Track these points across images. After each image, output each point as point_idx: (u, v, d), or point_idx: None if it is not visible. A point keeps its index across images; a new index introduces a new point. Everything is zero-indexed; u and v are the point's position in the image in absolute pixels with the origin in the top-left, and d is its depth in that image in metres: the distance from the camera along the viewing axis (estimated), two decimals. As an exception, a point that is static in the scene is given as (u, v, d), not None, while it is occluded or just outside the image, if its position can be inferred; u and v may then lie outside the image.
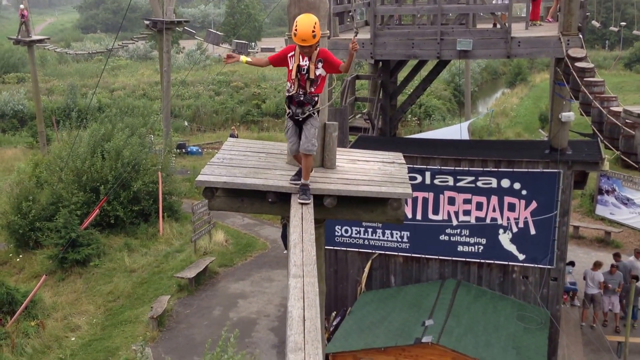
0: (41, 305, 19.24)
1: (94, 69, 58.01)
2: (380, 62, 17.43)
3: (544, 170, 14.00)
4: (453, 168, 14.60)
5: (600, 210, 17.25)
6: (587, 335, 16.62)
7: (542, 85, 49.74)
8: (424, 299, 14.39)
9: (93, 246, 22.05)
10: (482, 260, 14.79)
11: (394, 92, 18.72)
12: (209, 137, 42.25)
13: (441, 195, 14.83)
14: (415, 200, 14.92)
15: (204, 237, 22.98)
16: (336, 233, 15.65)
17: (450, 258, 15.02)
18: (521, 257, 14.46)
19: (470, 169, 14.50)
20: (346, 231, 15.64)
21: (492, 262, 14.71)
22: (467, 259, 14.88)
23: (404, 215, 6.36)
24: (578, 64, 12.72)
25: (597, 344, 16.00)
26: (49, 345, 17.62)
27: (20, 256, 22.94)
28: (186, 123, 45.13)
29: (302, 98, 6.11)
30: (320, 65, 6.09)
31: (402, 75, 19.75)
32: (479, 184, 14.51)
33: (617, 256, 17.20)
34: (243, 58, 6.13)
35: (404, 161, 6.94)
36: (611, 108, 11.87)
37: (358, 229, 15.55)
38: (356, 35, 6.63)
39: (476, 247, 14.77)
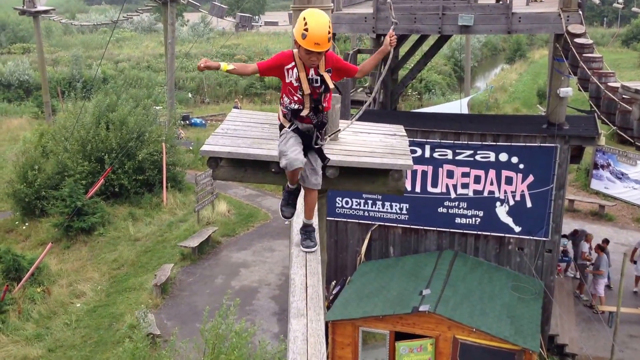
0: (47, 272, 19.63)
1: (99, 41, 57.91)
2: (382, 36, 17.55)
3: (542, 144, 14.24)
4: (452, 142, 14.84)
5: (595, 184, 17.51)
6: (580, 305, 17.04)
7: (540, 62, 49.70)
8: (421, 269, 14.73)
9: (98, 215, 22.41)
10: (479, 232, 15.10)
11: (396, 66, 18.87)
12: (213, 109, 42.41)
13: (440, 169, 15.09)
14: (414, 173, 15.18)
15: (207, 207, 23.32)
16: (337, 204, 15.95)
17: (448, 230, 15.33)
18: (517, 229, 14.77)
19: (469, 142, 14.73)
20: (347, 203, 15.93)
21: (489, 234, 15.02)
22: (464, 231, 15.20)
23: (404, 186, 6.47)
24: (577, 40, 12.89)
25: (589, 314, 16.40)
26: (55, 310, 18.05)
27: (27, 224, 23.30)
28: (190, 95, 45.25)
29: (322, 119, 5.06)
30: (328, 74, 4.95)
31: (403, 49, 19.88)
32: (478, 157, 14.76)
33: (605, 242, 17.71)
34: (224, 65, 4.90)
35: (405, 133, 7.01)
36: (609, 84, 12.07)
37: (358, 200, 15.84)
38: (394, 27, 5.38)
39: (473, 219, 15.07)
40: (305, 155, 5.13)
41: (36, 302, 18.16)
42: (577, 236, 18.19)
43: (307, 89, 4.97)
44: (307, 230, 5.25)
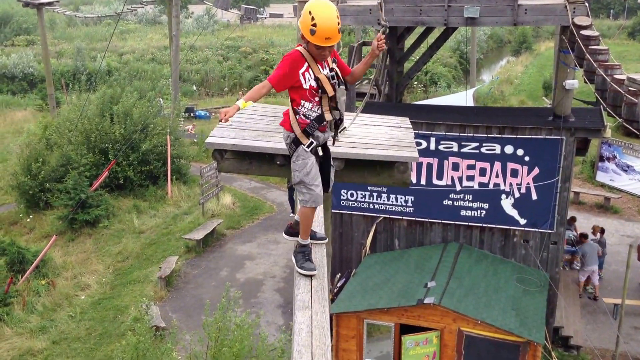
0: (51, 265, 19.66)
1: (103, 33, 57.86)
2: (388, 29, 17.48)
3: (547, 137, 14.18)
4: (458, 134, 14.79)
5: (600, 176, 17.43)
6: (585, 298, 17.01)
7: (546, 54, 49.50)
8: (426, 261, 14.71)
9: (102, 207, 22.43)
10: (484, 225, 15.07)
11: (401, 58, 18.79)
12: (217, 101, 42.36)
13: (445, 161, 15.05)
14: (419, 165, 15.15)
15: (212, 199, 23.32)
16: (342, 197, 15.92)
17: (453, 222, 15.30)
18: (522, 221, 14.73)
19: (475, 135, 14.68)
20: (352, 195, 15.90)
21: (494, 226, 14.99)
22: (469, 223, 15.16)
23: (409, 179, 6.43)
24: (583, 32, 12.80)
25: (594, 306, 16.37)
26: (59, 303, 18.08)
27: (31, 217, 23.34)
28: (194, 87, 45.22)
29: (338, 115, 4.71)
30: (334, 65, 4.67)
31: (409, 42, 19.80)
32: (483, 150, 14.71)
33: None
34: (242, 104, 4.46)
35: (410, 126, 6.98)
36: (615, 76, 12.00)
37: (363, 193, 15.81)
38: (385, 32, 5.15)
39: (479, 211, 15.03)
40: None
41: (40, 294, 18.20)
42: (571, 224, 18.20)
43: (330, 90, 4.56)
44: (304, 252, 4.77)
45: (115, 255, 20.68)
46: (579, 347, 14.95)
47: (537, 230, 14.67)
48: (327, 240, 5.19)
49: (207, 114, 37.02)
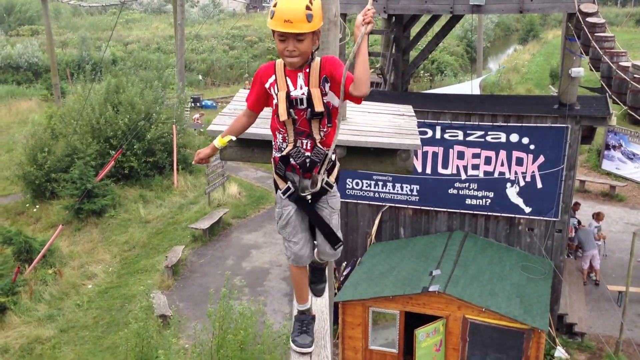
0: (58, 254, 19.79)
1: (108, 22, 57.82)
2: (394, 17, 17.43)
3: (552, 125, 14.15)
4: (463, 123, 14.77)
5: (606, 165, 17.42)
6: (589, 285, 17.03)
7: (554, 42, 49.22)
8: (432, 250, 14.73)
9: (108, 197, 22.52)
10: (489, 213, 15.07)
11: (407, 47, 18.72)
12: (223, 91, 42.35)
13: (451, 150, 15.03)
14: (425, 154, 15.14)
15: (218, 189, 23.38)
16: (347, 186, 15.94)
17: (458, 211, 15.30)
18: (527, 209, 14.73)
19: (480, 123, 14.65)
20: (357, 184, 15.92)
21: (499, 214, 14.99)
22: (474, 212, 15.17)
23: (414, 168, 6.45)
24: (589, 19, 12.76)
25: (598, 294, 16.39)
26: (67, 292, 18.22)
27: (37, 206, 23.45)
28: (200, 77, 45.20)
29: (309, 156, 3.69)
30: (327, 87, 3.61)
31: (414, 30, 19.73)
32: (488, 138, 14.69)
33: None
34: (219, 141, 3.91)
35: (413, 114, 7.01)
36: (620, 63, 11.97)
37: (368, 182, 15.83)
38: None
39: (484, 200, 15.03)
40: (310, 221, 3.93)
41: (48, 283, 18.33)
42: (574, 210, 18.23)
43: (282, 113, 3.63)
44: (302, 321, 4.10)
45: (121, 244, 20.79)
46: (583, 334, 14.99)
47: (542, 218, 14.67)
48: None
49: (214, 104, 37.02)
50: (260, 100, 3.84)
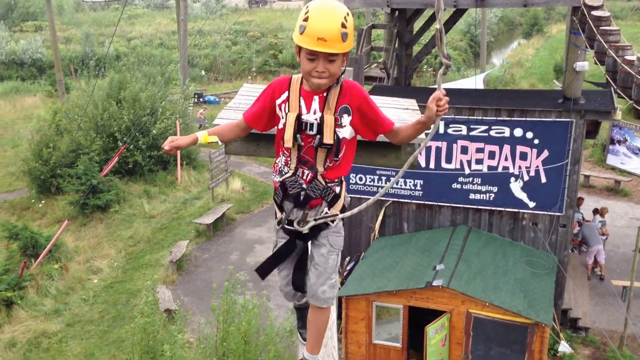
0: (64, 249, 19.88)
1: (111, 18, 57.87)
2: (397, 11, 17.41)
3: (557, 119, 14.13)
4: (467, 117, 14.76)
5: (611, 159, 17.33)
6: (593, 280, 17.04)
7: (558, 37, 49.08)
8: (435, 244, 14.75)
9: (113, 193, 22.61)
10: (493, 208, 15.07)
11: (410, 41, 18.71)
12: (226, 86, 42.37)
13: (454, 144, 15.03)
14: (428, 149, 15.14)
15: (222, 184, 23.42)
16: (351, 181, 15.96)
17: (461, 205, 15.31)
18: (531, 204, 14.72)
19: (484, 118, 14.65)
20: (360, 179, 15.93)
21: (503, 209, 14.99)
22: (478, 207, 15.17)
23: (417, 162, 6.45)
24: (594, 13, 12.74)
25: (603, 288, 16.39)
26: (73, 286, 18.33)
27: (42, 202, 23.54)
28: (203, 72, 45.21)
29: (304, 189, 3.39)
30: (346, 118, 3.30)
31: (418, 24, 19.71)
32: (492, 133, 14.68)
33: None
34: (203, 137, 3.50)
35: (417, 108, 7.03)
36: (625, 57, 11.96)
37: (372, 176, 15.84)
38: (445, 70, 3.30)
39: (487, 195, 15.03)
40: (304, 256, 3.60)
41: (54, 278, 18.44)
42: (579, 205, 18.25)
43: (288, 140, 3.30)
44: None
45: (126, 239, 20.87)
46: (588, 329, 15.00)
47: (546, 213, 14.67)
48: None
49: (217, 99, 37.06)
50: (263, 116, 3.45)
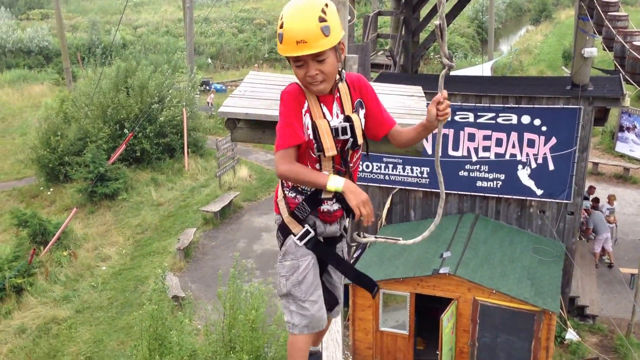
0: (73, 237, 20.01)
1: (117, 6, 57.80)
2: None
3: (565, 106, 14.05)
4: (474, 104, 14.70)
5: (620, 147, 17.29)
6: (601, 268, 17.01)
7: (567, 22, 48.71)
8: (442, 232, 14.73)
9: (121, 180, 22.70)
10: (500, 195, 15.03)
11: (417, 28, 18.62)
12: (233, 74, 42.33)
13: (461, 132, 14.98)
14: (435, 136, 15.06)
15: (229, 172, 23.46)
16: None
17: (469, 193, 15.28)
18: (539, 192, 14.68)
19: (491, 105, 14.58)
20: (367, 167, 15.92)
21: (510, 197, 14.95)
22: (485, 194, 15.13)
23: (424, 149, 6.42)
24: (602, -2, 12.61)
25: (611, 276, 16.36)
26: (81, 273, 18.46)
27: (51, 190, 23.66)
28: (210, 60, 45.17)
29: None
30: (361, 112, 3.17)
31: (425, 11, 19.60)
32: (499, 120, 14.62)
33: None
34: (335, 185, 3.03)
35: (423, 95, 7.02)
36: (634, 43, 11.83)
37: (379, 164, 15.82)
38: (447, 72, 2.95)
39: (495, 182, 15.00)
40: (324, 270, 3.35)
41: (63, 265, 18.56)
42: (590, 194, 18.21)
43: (331, 148, 3.06)
44: None
45: (134, 227, 20.97)
46: (595, 317, 14.99)
47: (553, 200, 14.62)
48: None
49: (223, 87, 37.04)
50: (300, 127, 3.04)
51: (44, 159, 23.45)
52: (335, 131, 3.05)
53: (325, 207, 3.17)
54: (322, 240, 3.26)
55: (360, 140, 3.12)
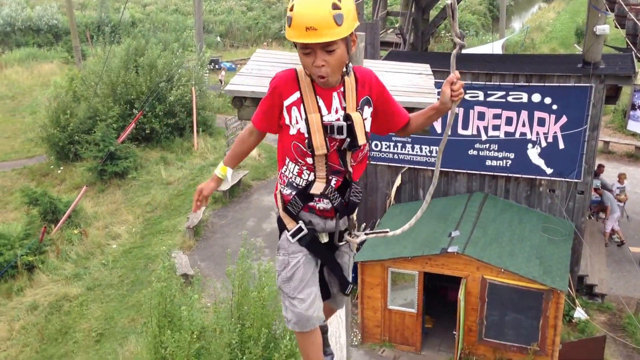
0: (83, 215, 20.14)
1: (126, -17, 57.51)
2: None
3: (576, 84, 13.93)
4: (484, 83, 14.60)
5: (632, 125, 17.12)
6: (611, 246, 16.97)
7: (580, -1, 48.17)
8: (451, 211, 14.73)
9: (130, 159, 22.77)
10: (509, 174, 14.98)
11: (427, 5, 18.46)
12: (242, 53, 42.16)
13: (471, 110, 14.90)
14: (444, 115, 14.98)
15: (237, 151, 23.43)
16: (366, 147, 15.91)
17: (478, 172, 15.23)
18: (549, 170, 14.61)
19: (501, 83, 14.48)
20: (376, 146, 15.89)
21: (520, 176, 14.89)
22: (494, 173, 15.09)
23: (432, 128, 6.45)
24: (615, -25, 12.46)
25: (620, 255, 16.33)
26: (92, 251, 18.61)
27: (61, 168, 23.78)
28: (219, 39, 44.99)
29: (348, 196, 3.08)
30: (367, 110, 2.99)
31: (435, -12, 19.41)
32: (510, 98, 14.52)
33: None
34: (221, 171, 3.31)
35: (431, 73, 6.98)
36: (646, 20, 11.71)
37: (388, 143, 15.78)
38: (459, 51, 2.89)
39: (504, 161, 14.94)
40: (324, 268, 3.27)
41: (74, 243, 18.71)
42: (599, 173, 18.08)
43: (321, 146, 2.90)
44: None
45: (144, 205, 21.08)
46: (604, 295, 14.99)
47: (563, 179, 14.55)
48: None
49: (232, 66, 36.94)
50: (274, 116, 2.98)
51: (54, 138, 23.53)
52: (330, 128, 2.88)
53: (320, 205, 3.06)
54: (324, 237, 3.14)
55: (361, 141, 2.91)
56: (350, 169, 3.02)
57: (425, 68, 7.16)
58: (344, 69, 2.89)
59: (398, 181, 15.93)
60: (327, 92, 2.91)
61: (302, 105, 2.90)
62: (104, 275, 17.35)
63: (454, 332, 13.03)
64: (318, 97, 2.90)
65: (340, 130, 2.87)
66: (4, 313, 16.10)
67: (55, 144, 23.69)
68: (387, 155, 15.87)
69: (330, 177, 2.99)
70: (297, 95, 2.90)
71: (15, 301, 16.47)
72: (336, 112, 2.91)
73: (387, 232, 3.29)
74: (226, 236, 18.76)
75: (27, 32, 45.08)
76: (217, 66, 36.13)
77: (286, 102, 2.93)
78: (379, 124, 3.08)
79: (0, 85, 34.75)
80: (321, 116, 2.89)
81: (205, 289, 15.01)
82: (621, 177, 17.87)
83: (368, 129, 3.00)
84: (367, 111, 2.97)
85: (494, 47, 23.67)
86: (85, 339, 14.99)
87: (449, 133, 3.00)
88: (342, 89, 2.92)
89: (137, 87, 24.32)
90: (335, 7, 2.66)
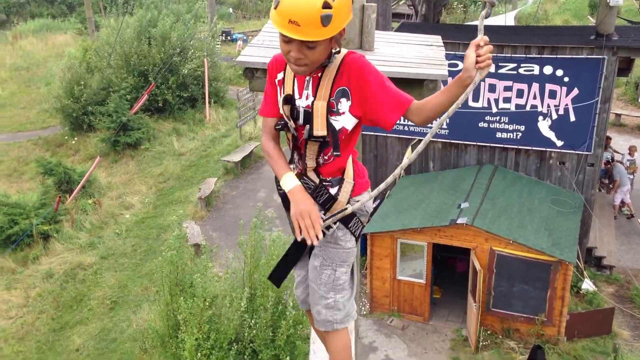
0: (97, 185, 20.41)
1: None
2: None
3: (588, 56, 13.84)
4: (495, 54, 14.51)
5: (643, 98, 17.06)
6: (620, 219, 17.00)
7: (597, -30, 47.28)
8: (460, 183, 14.79)
9: (143, 130, 22.95)
10: (519, 147, 14.98)
11: (440, -24, 18.34)
12: (254, 24, 42.00)
13: (482, 83, 14.84)
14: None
15: (249, 122, 23.57)
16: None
17: (488, 144, 15.24)
18: (559, 143, 14.59)
19: (513, 55, 14.41)
20: (387, 117, 15.90)
21: (530, 148, 14.89)
22: (505, 145, 15.09)
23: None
24: (630, -55, 12.29)
25: (629, 228, 16.37)
26: (106, 221, 18.88)
27: (75, 139, 24.03)
28: (231, 10, 44.79)
29: (316, 190, 2.92)
30: (345, 103, 2.77)
31: (448, -42, 19.25)
32: (521, 70, 14.46)
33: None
34: (288, 180, 2.86)
35: (442, 44, 6.97)
36: (661, -8, 11.58)
37: (398, 115, 15.78)
38: (489, 12, 2.68)
39: (514, 133, 14.93)
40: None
41: (88, 213, 19.00)
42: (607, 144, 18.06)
43: (287, 115, 2.83)
44: None
45: (156, 176, 21.30)
46: (612, 267, 15.07)
47: (573, 152, 14.54)
48: None
49: (244, 37, 36.83)
50: (275, 100, 2.92)
51: (68, 109, 23.74)
52: (295, 112, 2.79)
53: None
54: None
55: (317, 132, 2.72)
56: (312, 162, 2.87)
57: (437, 39, 7.13)
58: (327, 59, 2.71)
59: (408, 153, 15.98)
60: (302, 76, 2.80)
61: (283, 85, 2.85)
62: (118, 245, 17.64)
63: (474, 304, 13.02)
64: (295, 79, 2.81)
65: (297, 116, 2.77)
66: (20, 281, 16.45)
67: (69, 115, 23.91)
68: (397, 127, 15.89)
69: (292, 160, 2.98)
70: (282, 75, 2.85)
71: (31, 269, 16.82)
72: (307, 98, 2.78)
73: (346, 209, 2.94)
74: (237, 207, 18.96)
75: (41, 3, 45.15)
76: (229, 38, 36.05)
77: (277, 77, 2.89)
78: (371, 116, 2.81)
79: (16, 56, 34.95)
80: (290, 98, 2.80)
81: (217, 258, 15.24)
82: (632, 150, 17.83)
83: (346, 124, 2.79)
84: (345, 104, 2.75)
85: (507, 19, 23.44)
86: (100, 306, 15.31)
87: (460, 104, 2.68)
88: (319, 75, 2.75)
89: (150, 58, 24.39)
90: (326, 6, 2.45)
